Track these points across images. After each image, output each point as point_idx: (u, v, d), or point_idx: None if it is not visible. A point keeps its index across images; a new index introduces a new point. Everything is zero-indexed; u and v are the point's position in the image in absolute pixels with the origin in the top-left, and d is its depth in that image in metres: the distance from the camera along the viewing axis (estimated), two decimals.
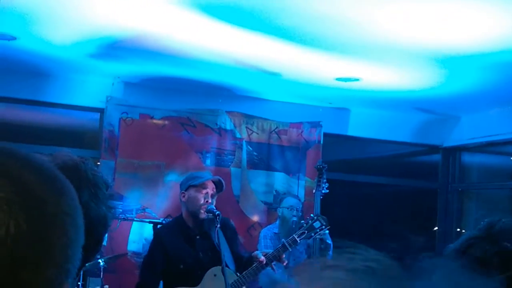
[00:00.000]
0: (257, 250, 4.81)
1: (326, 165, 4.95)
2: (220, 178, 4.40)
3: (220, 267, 3.92)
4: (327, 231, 4.70)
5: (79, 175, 1.30)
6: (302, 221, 4.52)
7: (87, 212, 1.28)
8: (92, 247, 1.33)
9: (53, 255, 0.72)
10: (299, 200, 5.41)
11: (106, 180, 1.38)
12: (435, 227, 6.77)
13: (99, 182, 1.33)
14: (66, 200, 0.77)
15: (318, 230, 4.38)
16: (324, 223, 4.42)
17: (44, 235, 0.72)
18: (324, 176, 4.91)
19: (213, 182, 4.34)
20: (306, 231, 4.35)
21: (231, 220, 4.96)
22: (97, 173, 1.35)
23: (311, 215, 4.75)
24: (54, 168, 0.81)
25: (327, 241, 4.67)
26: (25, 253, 0.69)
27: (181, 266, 4.12)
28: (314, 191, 4.96)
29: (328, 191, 4.91)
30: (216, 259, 3.99)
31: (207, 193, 4.26)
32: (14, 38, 4.39)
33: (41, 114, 5.86)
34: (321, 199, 4.88)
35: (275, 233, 5.19)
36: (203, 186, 4.28)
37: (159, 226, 4.58)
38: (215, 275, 4.06)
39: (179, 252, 4.18)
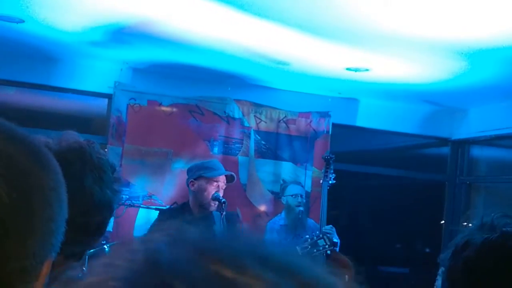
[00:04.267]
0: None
1: (333, 156, 4.92)
2: (233, 174, 4.40)
3: None
4: (334, 229, 4.68)
5: (84, 158, 1.29)
6: (307, 236, 4.46)
7: (91, 195, 1.27)
8: (95, 230, 1.32)
9: (36, 227, 0.72)
10: (303, 186, 5.38)
11: (112, 163, 1.36)
12: (442, 220, 6.74)
13: (104, 165, 1.32)
14: (49, 174, 0.76)
15: (321, 249, 4.32)
16: (329, 243, 4.36)
17: (27, 208, 0.71)
18: (331, 167, 4.89)
19: (225, 176, 4.34)
20: (309, 247, 4.31)
21: (238, 216, 4.96)
22: (102, 156, 1.34)
23: (317, 232, 4.73)
24: (39, 142, 0.80)
25: (334, 239, 4.64)
26: (7, 224, 0.69)
27: None
28: (321, 181, 4.94)
29: (335, 181, 4.89)
30: None
31: (218, 186, 4.28)
32: (22, 21, 4.36)
33: (49, 98, 5.85)
34: (328, 189, 4.86)
35: (281, 225, 5.16)
36: (215, 179, 4.29)
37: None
38: None
39: None
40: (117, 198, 1.35)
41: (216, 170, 4.36)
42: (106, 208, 1.31)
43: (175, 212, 4.43)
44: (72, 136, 1.34)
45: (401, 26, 3.89)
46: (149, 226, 4.49)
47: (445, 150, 6.78)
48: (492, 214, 1.50)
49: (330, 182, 4.89)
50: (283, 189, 5.39)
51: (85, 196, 1.26)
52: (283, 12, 3.80)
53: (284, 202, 5.23)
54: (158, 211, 4.77)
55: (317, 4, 3.60)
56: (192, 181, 4.36)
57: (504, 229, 1.42)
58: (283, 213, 5.27)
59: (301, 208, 5.01)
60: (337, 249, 4.68)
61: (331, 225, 4.70)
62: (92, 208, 1.28)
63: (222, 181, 4.33)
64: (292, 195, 5.13)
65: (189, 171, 4.50)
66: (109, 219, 1.35)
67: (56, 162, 0.80)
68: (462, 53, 4.38)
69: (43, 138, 1.29)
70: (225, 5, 3.74)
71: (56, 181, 0.77)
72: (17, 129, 0.78)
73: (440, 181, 6.84)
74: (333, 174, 4.90)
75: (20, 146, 0.75)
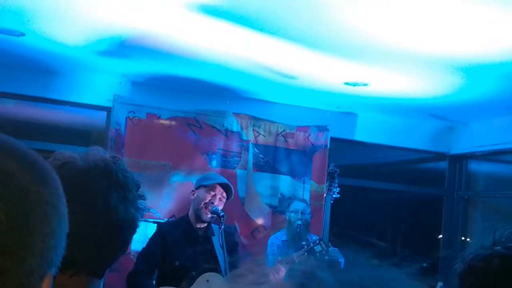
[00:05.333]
0: (263, 255, 4.82)
1: (338, 170, 4.92)
2: (229, 183, 4.42)
3: (214, 273, 3.95)
4: (336, 249, 4.66)
5: (110, 177, 1.29)
6: (304, 242, 4.44)
7: (116, 214, 1.27)
8: (118, 248, 1.33)
9: (34, 243, 0.72)
10: (307, 203, 5.37)
11: (136, 180, 1.37)
12: (440, 234, 6.74)
13: (129, 184, 1.33)
14: (48, 189, 0.76)
15: (317, 255, 4.30)
16: (325, 248, 4.34)
17: (24, 224, 0.71)
18: (336, 181, 4.88)
19: (221, 186, 4.36)
20: (306, 253, 4.29)
21: (236, 233, 4.96)
22: (127, 174, 1.34)
23: (314, 237, 4.72)
24: (38, 156, 0.80)
25: (338, 259, 4.62)
26: (3, 241, 0.69)
27: (177, 263, 4.16)
28: (325, 195, 4.94)
29: (339, 195, 4.88)
30: (213, 265, 4.02)
31: (214, 195, 4.30)
32: (22, 34, 4.38)
33: (48, 111, 5.86)
34: (331, 203, 4.85)
35: (283, 240, 5.15)
36: (212, 188, 4.32)
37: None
38: (207, 281, 4.08)
39: (178, 249, 4.21)
40: (140, 216, 1.35)
41: (211, 180, 4.40)
42: (129, 226, 1.32)
43: (173, 225, 4.44)
44: (98, 153, 1.34)
45: (400, 41, 3.91)
46: (148, 240, 4.49)
47: (443, 164, 6.79)
48: (503, 230, 1.52)
49: (334, 196, 4.88)
50: (288, 205, 5.40)
51: (110, 214, 1.27)
52: (282, 27, 3.82)
53: (287, 218, 5.23)
54: (156, 224, 4.77)
55: (316, 19, 3.62)
56: (193, 190, 4.42)
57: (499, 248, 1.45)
58: (285, 229, 5.27)
59: (299, 223, 5.00)
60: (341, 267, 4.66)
61: (337, 249, 4.67)
62: (116, 227, 1.29)
63: (219, 192, 4.35)
64: (293, 211, 5.13)
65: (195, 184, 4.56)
66: (132, 236, 1.35)
67: (56, 175, 0.80)
68: (460, 68, 4.39)
69: (68, 153, 1.30)
70: (224, 20, 3.76)
71: (55, 196, 0.77)
72: (16, 143, 0.78)
73: (438, 196, 6.84)
74: (338, 188, 4.90)
75: (20, 161, 0.75)
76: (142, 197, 1.38)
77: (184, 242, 4.25)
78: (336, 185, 4.89)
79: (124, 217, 1.29)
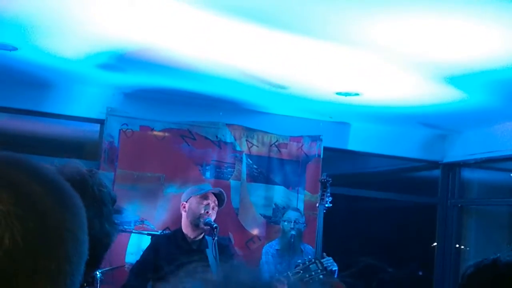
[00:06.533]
0: (258, 265, 4.82)
1: (330, 179, 4.93)
2: (221, 190, 4.43)
3: None
4: (330, 259, 4.66)
5: (86, 192, 1.27)
6: (299, 261, 4.43)
7: (90, 229, 1.27)
8: (90, 264, 1.31)
9: (49, 269, 0.71)
10: (300, 212, 5.37)
11: (113, 194, 1.36)
12: (434, 243, 6.75)
13: (105, 198, 1.32)
14: (69, 215, 0.76)
15: (313, 274, 4.28)
16: (321, 268, 4.31)
17: (40, 249, 0.71)
18: (328, 190, 4.89)
19: (214, 195, 4.37)
20: (301, 271, 4.28)
21: (230, 244, 4.94)
22: (103, 188, 1.33)
23: (307, 247, 4.70)
24: (63, 181, 0.80)
25: (333, 268, 4.62)
26: (18, 264, 0.69)
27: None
28: (317, 205, 4.94)
29: (331, 205, 4.89)
30: None
31: (208, 204, 4.31)
32: (15, 49, 4.39)
33: (41, 124, 5.85)
34: (324, 213, 4.86)
35: (276, 249, 5.15)
36: (204, 197, 4.33)
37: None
38: None
39: (172, 263, 4.19)
40: (115, 231, 1.33)
41: (202, 189, 4.43)
42: (103, 242, 1.30)
43: (167, 239, 4.43)
44: (75, 166, 1.32)
45: (391, 50, 3.93)
46: (142, 252, 4.48)
47: (436, 173, 6.81)
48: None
49: (327, 205, 4.88)
50: (282, 214, 5.40)
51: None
52: (274, 37, 3.83)
53: (281, 227, 5.23)
54: (150, 236, 4.76)
55: (307, 28, 3.64)
56: (183, 203, 4.40)
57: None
58: (279, 238, 5.27)
59: (293, 232, 5.00)
60: (335, 275, 4.67)
61: (331, 258, 4.67)
62: (89, 242, 1.28)
63: (212, 200, 4.37)
64: (286, 220, 5.13)
65: (182, 196, 4.54)
66: (105, 252, 1.33)
67: (80, 202, 0.80)
68: (453, 77, 4.41)
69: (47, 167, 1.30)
70: (217, 31, 3.78)
71: (75, 223, 0.77)
72: (42, 167, 0.78)
73: (431, 204, 6.86)
74: (330, 197, 4.90)
75: (42, 185, 0.74)
76: (118, 211, 1.37)
77: (178, 256, 4.24)
78: (329, 194, 4.90)
79: (98, 233, 1.27)
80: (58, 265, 0.73)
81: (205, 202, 4.31)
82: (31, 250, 0.70)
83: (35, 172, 0.76)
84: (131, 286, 4.20)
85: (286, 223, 5.11)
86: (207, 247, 4.25)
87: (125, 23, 3.74)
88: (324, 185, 4.92)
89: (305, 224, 5.20)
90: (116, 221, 1.34)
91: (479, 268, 1.51)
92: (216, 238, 4.13)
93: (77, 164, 1.33)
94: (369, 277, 6.46)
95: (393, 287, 6.95)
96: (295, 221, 5.07)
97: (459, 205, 6.70)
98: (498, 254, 1.52)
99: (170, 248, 4.27)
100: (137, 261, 4.37)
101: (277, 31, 3.69)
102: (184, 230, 4.38)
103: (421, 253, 6.99)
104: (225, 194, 4.45)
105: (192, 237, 4.33)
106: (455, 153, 6.53)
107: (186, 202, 4.37)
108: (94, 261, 1.30)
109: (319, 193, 4.98)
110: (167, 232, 5.07)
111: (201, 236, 4.34)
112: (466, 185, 6.81)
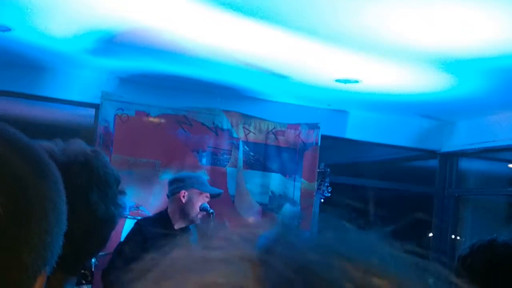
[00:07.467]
0: None
1: (328, 169, 4.90)
2: (222, 192, 4.46)
3: None
4: None
5: (90, 173, 1.25)
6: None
7: (95, 211, 1.23)
8: (97, 245, 1.30)
9: (30, 240, 0.69)
10: (298, 207, 5.34)
11: (117, 176, 1.32)
12: (430, 233, 6.72)
13: (109, 180, 1.29)
14: (48, 184, 0.73)
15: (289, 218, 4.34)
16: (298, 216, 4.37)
17: (21, 219, 0.68)
18: (327, 180, 4.86)
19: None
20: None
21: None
22: (108, 170, 1.30)
23: None
24: (41, 149, 0.77)
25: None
26: (0, 235, 0.67)
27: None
28: (314, 193, 4.92)
29: (329, 195, 4.86)
30: None
31: (208, 198, 4.33)
32: (8, 29, 4.31)
33: (35, 108, 5.79)
34: (321, 202, 4.83)
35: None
36: (205, 194, 4.32)
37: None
38: None
39: (157, 246, 4.15)
40: (119, 213, 1.32)
41: (208, 187, 4.44)
42: (108, 223, 1.28)
43: (153, 221, 4.37)
44: (79, 146, 1.30)
45: (392, 37, 3.89)
46: (127, 234, 4.41)
47: (434, 162, 6.78)
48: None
49: (325, 194, 4.86)
50: (278, 206, 5.38)
51: (89, 211, 1.23)
52: (272, 23, 3.78)
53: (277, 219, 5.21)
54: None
55: (306, 14, 3.58)
56: (183, 192, 4.33)
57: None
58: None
59: None
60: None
61: None
62: (95, 224, 1.25)
63: (208, 195, 4.38)
64: (281, 215, 5.13)
65: (178, 181, 4.45)
66: (111, 233, 1.32)
67: (58, 171, 0.77)
68: (451, 65, 4.38)
69: (47, 145, 1.25)
70: (215, 15, 3.72)
71: (55, 192, 0.74)
72: (20, 136, 0.75)
73: (428, 194, 6.83)
74: (329, 188, 4.88)
75: (19, 154, 0.72)
76: (122, 193, 1.33)
77: (163, 240, 4.19)
78: (327, 184, 4.87)
79: (104, 214, 1.26)
80: (40, 236, 0.70)
81: (206, 199, 4.31)
82: (14, 221, 0.68)
83: (12, 141, 0.74)
84: (113, 270, 4.13)
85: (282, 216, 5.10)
86: (192, 235, 4.22)
87: (121, 4, 3.68)
88: (323, 175, 4.89)
89: (301, 219, 5.18)
90: (120, 202, 1.31)
91: (475, 249, 1.48)
92: (212, 223, 4.10)
93: (81, 145, 1.30)
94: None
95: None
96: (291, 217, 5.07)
97: (456, 195, 6.67)
98: (495, 235, 1.49)
99: (155, 231, 4.22)
100: (121, 243, 4.29)
101: (278, 18, 3.63)
102: (170, 215, 4.32)
103: (416, 243, 6.97)
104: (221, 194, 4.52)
105: (176, 226, 4.29)
106: (452, 143, 6.50)
107: (187, 191, 4.31)
108: (101, 243, 1.30)
109: (317, 182, 4.95)
110: (151, 215, 5.02)
111: (185, 226, 4.32)
112: (463, 175, 6.79)
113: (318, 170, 5.03)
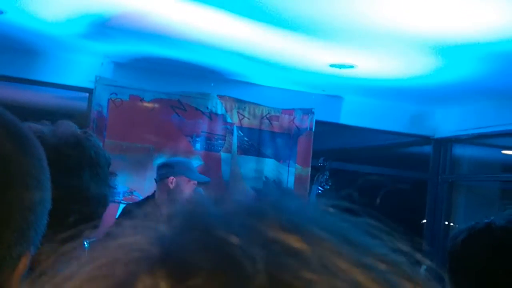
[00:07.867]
0: None
1: (326, 164, 4.90)
2: (209, 181, 4.48)
3: None
4: None
5: (81, 154, 1.24)
6: None
7: (87, 191, 1.22)
8: (92, 220, 1.29)
9: (12, 218, 0.67)
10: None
11: (108, 157, 1.32)
12: (423, 219, 6.74)
13: (101, 161, 1.28)
14: (32, 161, 0.71)
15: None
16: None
17: (3, 196, 0.66)
18: (327, 173, 4.87)
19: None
20: None
21: None
22: (99, 151, 1.30)
23: None
24: (24, 126, 0.76)
25: None
26: None
27: None
28: (308, 178, 4.94)
29: (328, 187, 4.87)
30: None
31: (195, 185, 4.32)
32: (1, 12, 4.27)
33: (28, 92, 5.75)
34: (318, 193, 4.84)
35: None
36: (195, 182, 4.32)
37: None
38: None
39: None
40: (111, 194, 1.32)
41: (197, 174, 4.45)
42: (101, 204, 1.28)
43: (139, 205, 4.36)
44: (69, 128, 1.29)
45: (387, 22, 3.87)
46: (116, 219, 4.40)
47: (428, 148, 6.79)
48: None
49: (325, 187, 4.87)
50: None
51: (81, 192, 1.23)
52: (267, 8, 3.75)
53: None
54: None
55: (301, 1, 3.56)
56: (172, 178, 4.31)
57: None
58: None
59: None
60: None
61: None
62: (87, 205, 1.25)
63: (196, 182, 4.39)
64: None
65: (168, 166, 4.43)
66: (102, 215, 1.32)
67: (42, 148, 0.75)
68: (446, 50, 4.37)
69: (37, 126, 1.24)
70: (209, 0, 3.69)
71: (38, 168, 0.72)
72: (4, 113, 0.74)
73: (422, 179, 6.84)
74: (329, 181, 4.88)
75: (4, 131, 0.71)
76: (113, 174, 1.34)
77: None
78: (326, 177, 4.87)
79: (96, 194, 1.25)
80: (23, 214, 0.68)
81: (193, 186, 4.30)
82: None
83: None
84: None
85: None
86: None
87: None
88: (321, 170, 4.90)
89: None
90: (111, 184, 1.32)
91: (473, 233, 1.48)
92: None
93: (71, 126, 1.29)
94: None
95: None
96: None
97: (450, 180, 6.69)
98: (492, 217, 1.49)
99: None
100: (110, 228, 4.30)
101: (271, 2, 3.61)
102: (157, 201, 4.31)
103: (409, 229, 6.99)
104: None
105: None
106: (447, 129, 6.50)
107: (176, 178, 4.28)
108: (95, 218, 1.29)
109: (316, 175, 4.96)
110: (138, 200, 5.02)
111: None
112: (457, 161, 6.80)
113: (318, 164, 5.04)
